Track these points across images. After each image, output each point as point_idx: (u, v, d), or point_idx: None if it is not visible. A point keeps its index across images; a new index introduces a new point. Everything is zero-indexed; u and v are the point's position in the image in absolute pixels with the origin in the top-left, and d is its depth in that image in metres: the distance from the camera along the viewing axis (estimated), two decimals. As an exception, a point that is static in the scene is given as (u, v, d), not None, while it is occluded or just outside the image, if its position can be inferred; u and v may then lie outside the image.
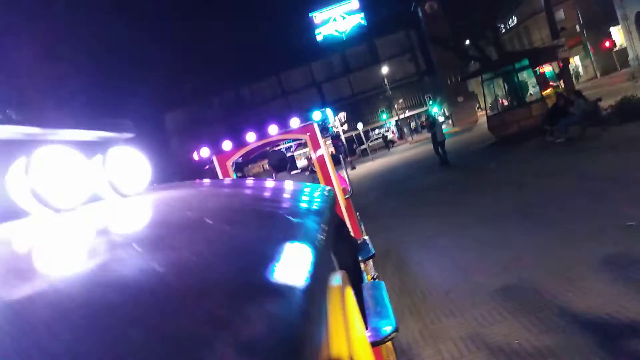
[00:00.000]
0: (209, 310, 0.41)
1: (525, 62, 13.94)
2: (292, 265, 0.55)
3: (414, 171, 14.49)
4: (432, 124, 13.22)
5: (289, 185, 1.52)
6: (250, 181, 1.71)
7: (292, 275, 0.50)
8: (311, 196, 1.28)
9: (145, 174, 1.16)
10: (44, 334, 0.37)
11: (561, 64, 15.51)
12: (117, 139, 1.14)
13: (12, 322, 0.40)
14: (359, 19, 45.84)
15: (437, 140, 12.88)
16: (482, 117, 36.76)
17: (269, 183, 1.68)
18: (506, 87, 14.50)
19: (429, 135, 13.94)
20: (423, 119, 41.75)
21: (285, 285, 0.47)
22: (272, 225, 0.82)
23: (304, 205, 1.07)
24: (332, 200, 1.25)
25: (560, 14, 33.58)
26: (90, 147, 1.05)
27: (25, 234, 0.77)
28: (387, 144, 35.31)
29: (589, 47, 28.92)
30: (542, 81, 14.02)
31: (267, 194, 1.25)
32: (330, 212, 1.05)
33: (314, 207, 1.05)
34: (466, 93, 37.97)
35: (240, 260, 0.57)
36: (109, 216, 0.91)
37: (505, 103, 15.04)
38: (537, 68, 13.85)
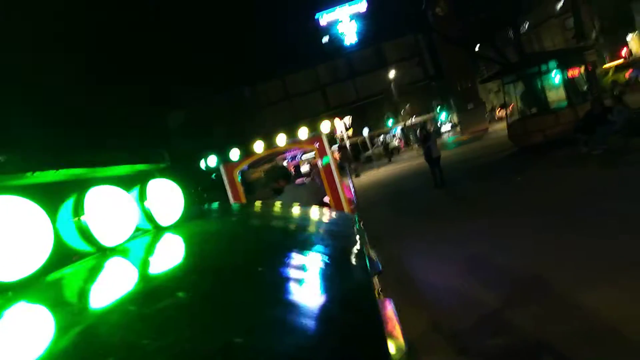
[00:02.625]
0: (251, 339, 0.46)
1: (553, 64, 12.92)
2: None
3: (424, 181, 12.61)
4: (425, 137, 11.33)
5: (317, 214, 1.56)
6: (278, 207, 1.75)
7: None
8: (341, 224, 1.32)
9: (179, 204, 1.21)
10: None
11: (590, 67, 14.51)
12: (153, 170, 1.19)
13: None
14: (366, 22, 46.10)
15: (432, 157, 11.08)
16: (493, 124, 36.89)
17: (298, 210, 1.72)
18: (529, 91, 13.60)
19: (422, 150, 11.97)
20: (417, 132, 41.12)
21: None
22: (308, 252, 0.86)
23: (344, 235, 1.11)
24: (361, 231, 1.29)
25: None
26: (128, 181, 1.09)
27: (77, 273, 0.81)
28: (390, 153, 33.37)
29: (604, 55, 28.97)
30: (571, 86, 12.89)
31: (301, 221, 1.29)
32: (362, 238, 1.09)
33: (351, 236, 1.09)
34: (476, 99, 37.97)
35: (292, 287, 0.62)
36: (152, 252, 0.96)
37: (528, 109, 14.06)
38: (567, 71, 12.82)
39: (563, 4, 34.26)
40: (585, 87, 13.57)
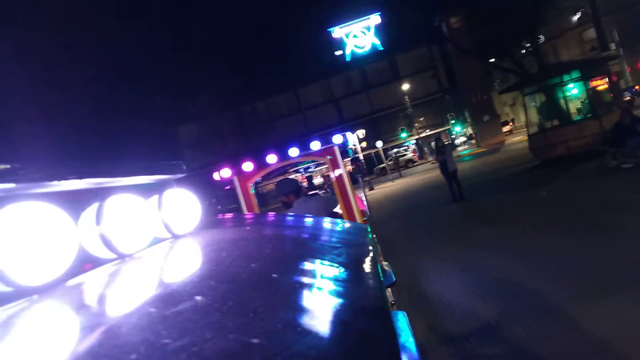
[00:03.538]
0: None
1: (577, 74, 12.55)
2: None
3: (441, 195, 12.14)
4: (441, 150, 10.90)
5: (330, 223, 1.58)
6: (291, 217, 1.78)
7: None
8: (354, 234, 1.34)
9: (195, 214, 1.24)
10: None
11: (615, 78, 14.25)
12: (170, 180, 1.23)
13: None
14: (379, 35, 46.45)
15: (449, 171, 10.70)
16: (510, 136, 36.55)
17: (311, 220, 1.75)
18: (550, 102, 13.28)
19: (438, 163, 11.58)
20: (432, 144, 40.74)
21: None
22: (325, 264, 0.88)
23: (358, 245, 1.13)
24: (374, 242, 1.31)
25: (591, 32, 33.51)
26: (147, 190, 1.13)
27: (99, 278, 0.85)
28: (399, 167, 32.42)
29: (625, 66, 28.64)
30: (595, 97, 12.51)
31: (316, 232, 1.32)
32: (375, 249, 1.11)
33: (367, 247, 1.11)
34: (492, 112, 37.74)
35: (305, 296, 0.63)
36: (169, 259, 0.99)
37: (549, 121, 13.69)
38: (589, 82, 12.49)
39: (580, 16, 34.08)
40: (609, 98, 13.23)
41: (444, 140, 11.79)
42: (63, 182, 0.84)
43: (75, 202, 0.91)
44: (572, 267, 4.36)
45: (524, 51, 19.54)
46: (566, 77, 12.84)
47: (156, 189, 1.17)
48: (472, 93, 37.98)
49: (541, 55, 16.46)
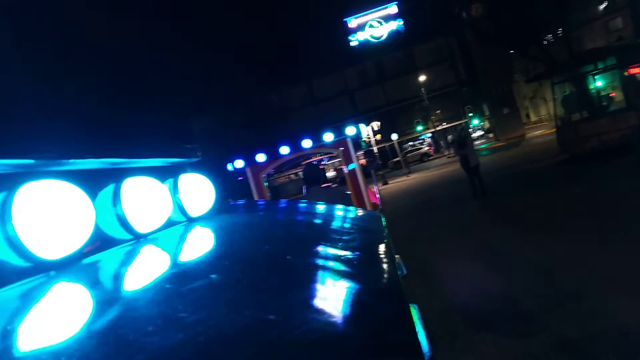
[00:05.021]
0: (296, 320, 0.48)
1: (612, 61, 11.78)
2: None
3: (460, 190, 11.39)
4: (461, 143, 10.07)
5: (344, 209, 1.59)
6: (304, 205, 1.79)
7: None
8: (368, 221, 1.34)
9: (210, 198, 1.26)
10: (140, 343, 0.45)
11: None
12: (185, 164, 1.24)
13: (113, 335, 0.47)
14: (396, 25, 45.92)
15: (470, 166, 9.95)
16: (530, 130, 35.90)
17: (323, 207, 1.75)
18: (580, 92, 12.59)
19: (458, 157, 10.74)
20: (449, 138, 39.90)
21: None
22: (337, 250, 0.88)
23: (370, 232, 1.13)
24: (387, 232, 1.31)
25: (617, 22, 32.61)
26: (162, 173, 1.15)
27: (115, 256, 0.86)
28: (417, 159, 31.64)
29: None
30: (632, 86, 11.67)
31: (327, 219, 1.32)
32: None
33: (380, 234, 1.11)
34: (512, 104, 37.03)
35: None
36: (184, 240, 1.00)
37: (579, 112, 12.95)
38: (627, 70, 11.73)
39: (607, 5, 33.17)
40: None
41: (466, 133, 10.64)
42: (80, 160, 0.85)
43: (93, 181, 0.93)
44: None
45: (546, 41, 18.97)
46: (600, 65, 12.11)
47: (171, 172, 1.19)
48: (492, 85, 37.32)
49: (571, 42, 15.60)
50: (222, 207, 1.35)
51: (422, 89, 39.24)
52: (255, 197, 5.59)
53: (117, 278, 0.73)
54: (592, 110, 12.36)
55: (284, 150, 5.73)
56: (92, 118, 0.88)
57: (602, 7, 34.65)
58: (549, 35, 18.05)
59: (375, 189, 9.73)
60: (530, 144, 23.06)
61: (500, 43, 20.66)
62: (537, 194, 8.72)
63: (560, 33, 15.94)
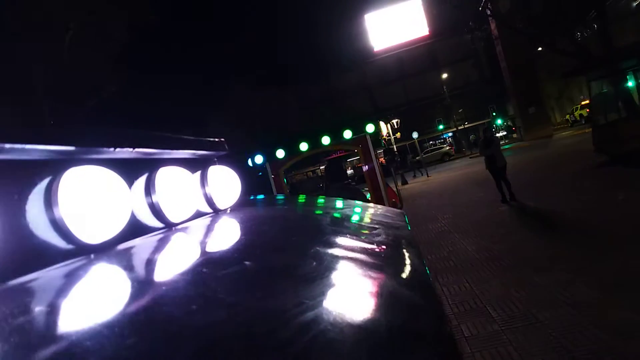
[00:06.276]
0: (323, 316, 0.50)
1: None
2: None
3: (485, 194, 10.65)
4: (487, 142, 9.50)
5: (369, 205, 1.61)
6: (323, 200, 1.82)
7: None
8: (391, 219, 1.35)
9: (236, 191, 1.30)
10: (168, 331, 0.48)
11: None
12: (212, 156, 1.28)
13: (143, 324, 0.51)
14: (418, 21, 45.46)
15: (497, 167, 9.32)
16: (557, 130, 35.02)
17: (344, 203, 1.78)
18: (620, 90, 11.83)
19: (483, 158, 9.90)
20: (471, 137, 39.11)
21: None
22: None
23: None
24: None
25: (651, 18, 31.49)
26: (191, 165, 1.19)
27: (150, 242, 0.91)
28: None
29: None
30: None
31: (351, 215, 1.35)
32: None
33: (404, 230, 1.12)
34: (538, 103, 36.16)
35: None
36: (214, 230, 1.04)
37: (616, 112, 12.09)
38: None
39: (641, 0, 32.09)
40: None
41: (492, 132, 9.87)
42: (118, 149, 0.90)
43: (130, 170, 0.98)
44: None
45: (579, 35, 18.23)
46: None
47: (200, 164, 1.23)
48: (517, 83, 36.54)
49: (609, 36, 14.71)
50: (248, 200, 1.38)
51: (444, 86, 38.79)
52: (274, 192, 5.65)
53: (155, 262, 0.77)
54: (634, 109, 11.65)
55: (303, 146, 5.77)
56: (129, 110, 0.92)
57: (636, 3, 33.57)
58: (586, 27, 17.25)
59: (394, 187, 9.70)
60: (558, 144, 22.33)
61: (528, 36, 19.77)
62: (574, 200, 7.92)
63: (596, 25, 15.14)
